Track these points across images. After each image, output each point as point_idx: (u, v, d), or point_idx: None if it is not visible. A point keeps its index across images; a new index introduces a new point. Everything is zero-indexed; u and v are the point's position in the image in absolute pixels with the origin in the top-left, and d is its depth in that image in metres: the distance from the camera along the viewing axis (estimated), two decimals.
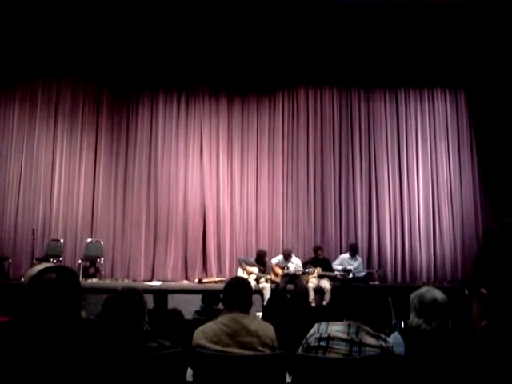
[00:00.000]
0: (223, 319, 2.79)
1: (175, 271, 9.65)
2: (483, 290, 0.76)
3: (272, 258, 8.86)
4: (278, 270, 8.46)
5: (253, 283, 7.70)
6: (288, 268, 8.40)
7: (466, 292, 6.72)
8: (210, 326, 2.79)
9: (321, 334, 2.74)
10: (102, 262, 9.40)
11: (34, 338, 1.68)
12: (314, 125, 10.30)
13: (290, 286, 8.14)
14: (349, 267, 8.61)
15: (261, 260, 8.58)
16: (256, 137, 10.22)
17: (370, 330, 2.74)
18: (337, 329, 2.73)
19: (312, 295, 8.11)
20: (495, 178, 10.00)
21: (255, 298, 5.39)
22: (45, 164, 9.78)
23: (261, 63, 9.94)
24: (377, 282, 9.20)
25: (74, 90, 10.05)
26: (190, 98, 10.26)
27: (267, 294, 8.11)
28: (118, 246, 9.72)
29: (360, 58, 9.89)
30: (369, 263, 9.79)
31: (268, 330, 2.82)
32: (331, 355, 2.68)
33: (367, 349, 2.67)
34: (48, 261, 8.36)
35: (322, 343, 2.72)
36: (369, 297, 2.87)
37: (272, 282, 8.37)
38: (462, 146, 10.35)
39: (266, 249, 9.32)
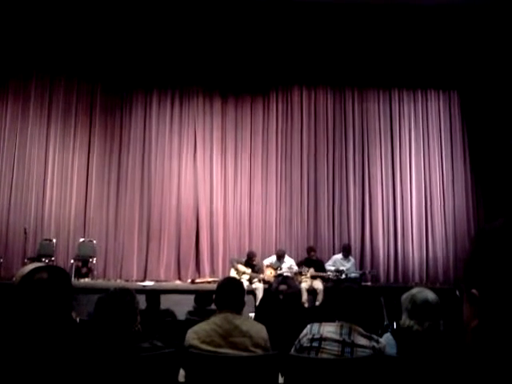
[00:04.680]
0: (216, 320, 2.78)
1: (168, 271, 9.63)
2: (474, 291, 0.77)
3: (265, 258, 8.87)
4: (268, 272, 8.45)
5: (245, 283, 7.70)
6: (281, 268, 8.41)
7: (458, 293, 6.75)
8: (203, 327, 2.79)
9: (313, 334, 2.75)
10: (94, 261, 9.36)
11: (24, 337, 1.67)
12: (307, 125, 10.32)
13: (283, 287, 8.14)
14: (341, 268, 8.62)
15: (250, 261, 8.58)
16: (250, 137, 10.22)
17: (362, 330, 2.75)
18: (329, 329, 2.74)
19: (305, 296, 8.11)
20: (487, 179, 10.05)
21: (248, 298, 5.39)
22: (37, 163, 9.72)
23: (255, 63, 9.93)
24: (369, 283, 9.22)
25: (68, 89, 10.01)
26: (183, 98, 10.24)
27: (260, 295, 8.11)
28: (111, 246, 9.69)
29: (354, 59, 9.91)
30: (361, 264, 9.81)
31: (260, 331, 2.82)
32: (323, 356, 2.68)
33: (359, 349, 2.67)
34: (40, 260, 8.30)
35: (315, 344, 2.72)
36: (361, 298, 2.88)
37: (265, 282, 8.37)
38: (455, 147, 10.41)
39: (259, 249, 9.37)
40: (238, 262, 8.67)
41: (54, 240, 9.38)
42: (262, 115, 10.30)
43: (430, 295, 2.79)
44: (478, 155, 10.23)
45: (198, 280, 9.29)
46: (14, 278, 2.61)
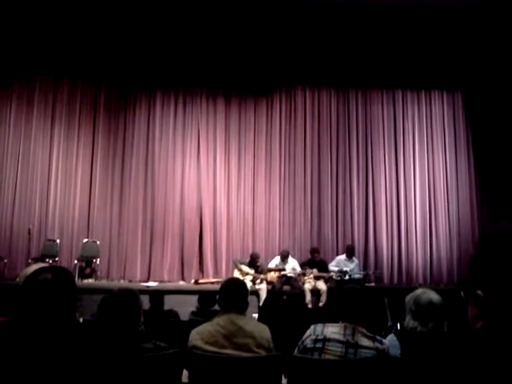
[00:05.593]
0: (219, 320, 2.78)
1: (171, 272, 9.64)
2: (479, 292, 0.76)
3: (268, 259, 8.87)
4: (272, 274, 8.43)
5: (249, 284, 7.70)
6: (284, 269, 8.41)
7: (462, 294, 6.73)
8: (206, 327, 2.78)
9: (317, 335, 2.74)
10: (98, 262, 9.37)
11: (29, 338, 1.67)
12: (311, 126, 10.31)
13: (286, 288, 8.13)
14: (345, 268, 8.61)
15: (253, 262, 8.59)
16: (253, 138, 10.22)
17: (365, 331, 2.74)
18: (333, 330, 2.73)
19: (308, 296, 8.10)
20: (492, 180, 10.02)
21: (251, 299, 5.38)
22: (41, 163, 9.75)
23: (258, 64, 9.93)
24: (373, 284, 9.21)
25: (71, 89, 10.03)
26: (187, 99, 10.25)
27: (263, 295, 8.10)
28: (115, 247, 9.70)
29: (358, 60, 9.89)
30: (365, 265, 9.79)
31: (264, 332, 2.82)
32: (327, 357, 2.67)
33: (363, 351, 2.67)
34: (44, 261, 8.33)
35: (318, 345, 2.71)
36: (364, 298, 2.87)
37: (268, 283, 8.36)
38: (459, 148, 10.37)
39: (263, 250, 9.37)
40: (242, 263, 8.67)
41: (58, 240, 9.41)
42: (265, 116, 10.30)
43: (433, 296, 2.78)
44: (483, 156, 10.20)
45: (201, 280, 9.29)
46: (18, 279, 2.62)
